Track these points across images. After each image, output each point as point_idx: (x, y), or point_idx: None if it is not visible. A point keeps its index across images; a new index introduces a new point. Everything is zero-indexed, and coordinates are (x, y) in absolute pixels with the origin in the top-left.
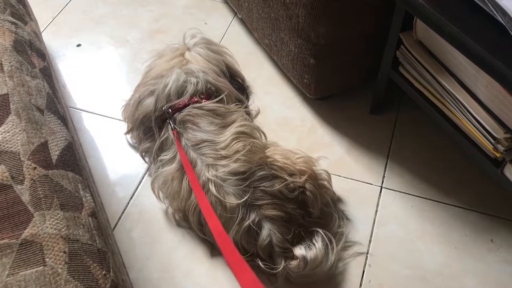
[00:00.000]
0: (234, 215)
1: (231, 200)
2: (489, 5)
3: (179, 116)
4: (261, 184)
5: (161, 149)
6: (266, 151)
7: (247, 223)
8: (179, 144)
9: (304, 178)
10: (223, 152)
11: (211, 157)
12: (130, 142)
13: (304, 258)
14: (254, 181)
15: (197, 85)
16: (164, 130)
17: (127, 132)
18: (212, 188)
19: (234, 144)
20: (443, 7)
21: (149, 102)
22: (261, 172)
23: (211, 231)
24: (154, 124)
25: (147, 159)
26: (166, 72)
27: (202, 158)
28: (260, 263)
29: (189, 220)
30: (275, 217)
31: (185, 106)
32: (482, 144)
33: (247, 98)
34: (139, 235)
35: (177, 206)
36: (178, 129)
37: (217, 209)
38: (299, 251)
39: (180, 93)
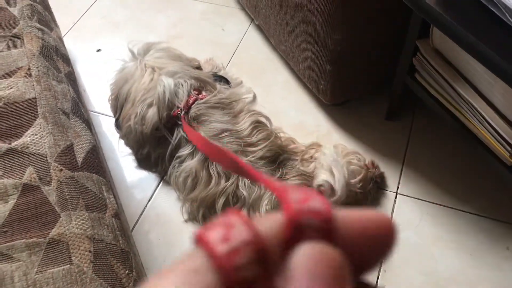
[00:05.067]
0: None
1: None
2: (507, 15)
3: (190, 112)
4: (287, 163)
5: (176, 148)
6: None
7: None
8: (192, 132)
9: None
10: (248, 140)
11: (238, 144)
12: None
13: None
14: (280, 162)
15: (188, 84)
16: (176, 132)
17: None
18: None
19: (256, 133)
20: (461, 16)
21: (152, 113)
22: (283, 156)
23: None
24: (164, 131)
25: (159, 167)
26: (148, 92)
27: (228, 146)
28: None
29: (216, 207)
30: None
31: (192, 103)
32: (498, 151)
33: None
34: (157, 237)
35: (205, 196)
36: (194, 125)
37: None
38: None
39: (178, 96)
